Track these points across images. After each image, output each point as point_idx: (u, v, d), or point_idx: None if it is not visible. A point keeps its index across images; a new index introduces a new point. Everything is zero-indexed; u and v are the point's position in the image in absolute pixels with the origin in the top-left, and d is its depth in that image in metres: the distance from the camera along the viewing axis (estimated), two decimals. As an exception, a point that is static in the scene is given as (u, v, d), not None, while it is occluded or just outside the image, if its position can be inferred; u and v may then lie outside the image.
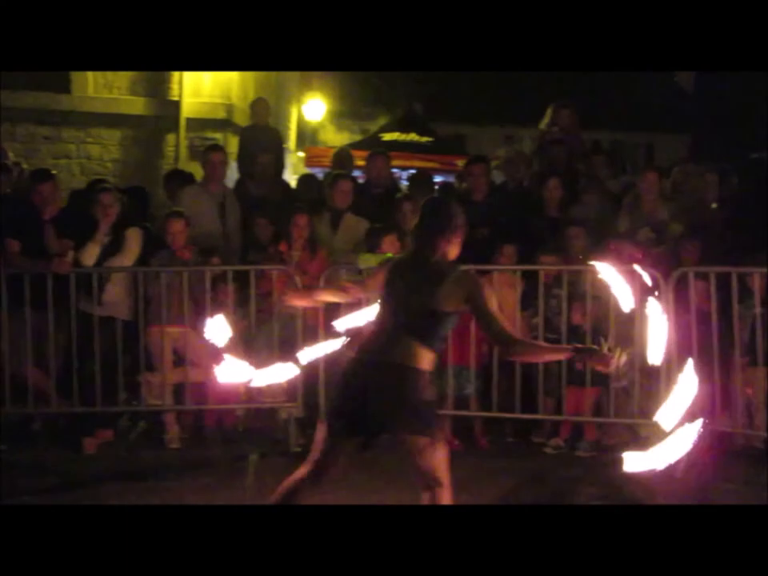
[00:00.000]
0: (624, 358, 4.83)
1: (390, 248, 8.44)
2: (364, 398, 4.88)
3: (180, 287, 8.39)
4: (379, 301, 5.15)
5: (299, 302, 6.06)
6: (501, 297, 8.35)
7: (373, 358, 4.97)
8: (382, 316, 5.11)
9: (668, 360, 7.72)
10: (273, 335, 8.34)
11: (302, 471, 5.03)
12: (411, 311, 4.96)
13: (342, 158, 11.43)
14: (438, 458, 4.91)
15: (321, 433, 5.04)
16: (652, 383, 7.83)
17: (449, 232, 5.07)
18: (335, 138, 25.80)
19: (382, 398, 4.86)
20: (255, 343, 8.40)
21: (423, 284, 4.97)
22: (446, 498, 4.92)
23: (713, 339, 7.70)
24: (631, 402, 8.12)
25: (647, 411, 7.83)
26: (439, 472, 4.91)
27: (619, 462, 4.54)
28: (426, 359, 4.94)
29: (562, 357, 5.29)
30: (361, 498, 6.53)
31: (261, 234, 9.35)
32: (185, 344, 8.46)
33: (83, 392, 8.25)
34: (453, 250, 5.13)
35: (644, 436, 7.96)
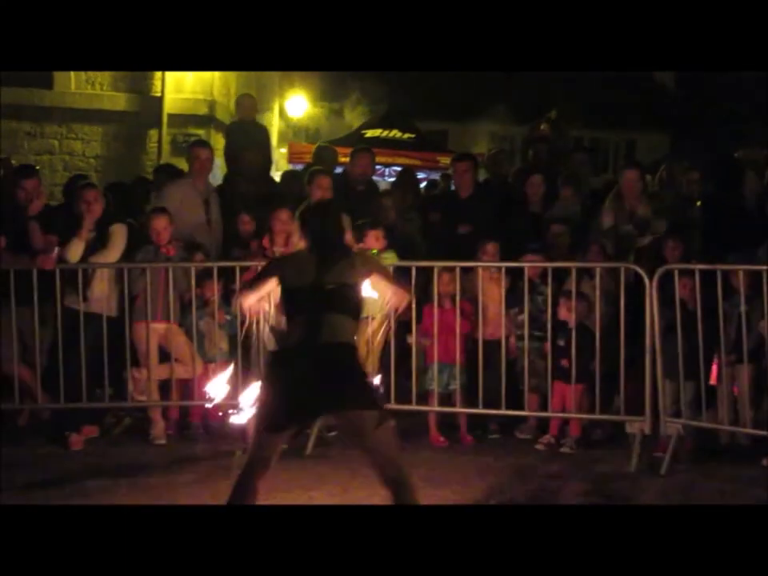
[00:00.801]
0: None
1: (375, 243, 8.37)
2: (298, 386, 4.85)
3: (165, 283, 8.39)
4: (280, 296, 5.20)
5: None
6: (486, 294, 8.43)
7: (300, 344, 4.96)
8: (292, 305, 5.12)
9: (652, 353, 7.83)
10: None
11: (246, 470, 5.05)
12: (325, 290, 5.00)
13: (325, 154, 11.40)
14: (392, 437, 4.89)
15: (254, 435, 5.07)
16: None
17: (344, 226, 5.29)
18: (317, 134, 25.75)
19: (323, 378, 4.83)
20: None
21: (328, 266, 5.05)
22: (412, 485, 4.89)
23: (698, 337, 7.70)
24: (617, 399, 8.13)
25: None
26: (396, 454, 4.89)
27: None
28: (352, 330, 5.02)
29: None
30: (343, 497, 6.64)
31: (243, 230, 9.33)
32: (170, 340, 8.48)
33: (69, 388, 8.23)
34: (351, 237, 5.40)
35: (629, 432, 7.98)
